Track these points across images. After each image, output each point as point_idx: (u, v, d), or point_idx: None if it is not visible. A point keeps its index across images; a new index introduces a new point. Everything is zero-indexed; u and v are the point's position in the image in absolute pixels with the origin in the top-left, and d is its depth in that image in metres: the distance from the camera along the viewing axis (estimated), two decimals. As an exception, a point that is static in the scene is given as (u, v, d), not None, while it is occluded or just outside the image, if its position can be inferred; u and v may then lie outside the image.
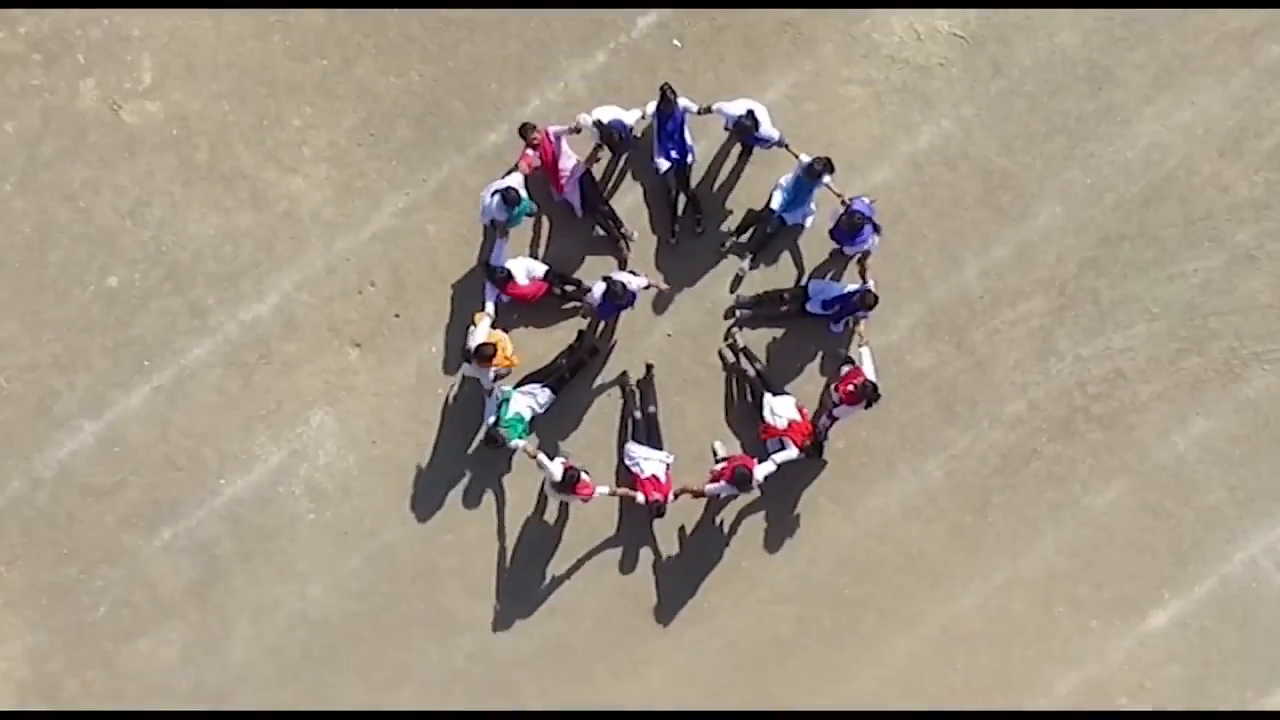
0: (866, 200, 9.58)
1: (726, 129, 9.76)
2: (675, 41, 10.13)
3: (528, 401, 9.82)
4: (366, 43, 10.09)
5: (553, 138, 9.52)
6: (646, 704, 10.64)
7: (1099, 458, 10.62)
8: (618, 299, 9.51)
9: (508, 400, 9.69)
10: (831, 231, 9.75)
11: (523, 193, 9.43)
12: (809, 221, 10.01)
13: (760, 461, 9.73)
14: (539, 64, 10.12)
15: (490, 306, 9.73)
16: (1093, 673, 10.80)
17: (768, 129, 9.46)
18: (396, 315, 10.26)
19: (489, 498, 10.46)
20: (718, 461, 10.13)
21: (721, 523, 10.56)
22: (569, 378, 10.17)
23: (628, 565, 10.59)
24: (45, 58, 10.03)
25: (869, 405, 9.52)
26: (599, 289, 9.54)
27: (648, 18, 10.10)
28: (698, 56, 10.14)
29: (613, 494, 9.91)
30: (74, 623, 10.41)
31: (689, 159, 9.81)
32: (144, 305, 10.18)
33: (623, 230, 10.22)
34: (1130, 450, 10.62)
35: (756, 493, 9.88)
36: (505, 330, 9.84)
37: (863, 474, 10.53)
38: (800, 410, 9.94)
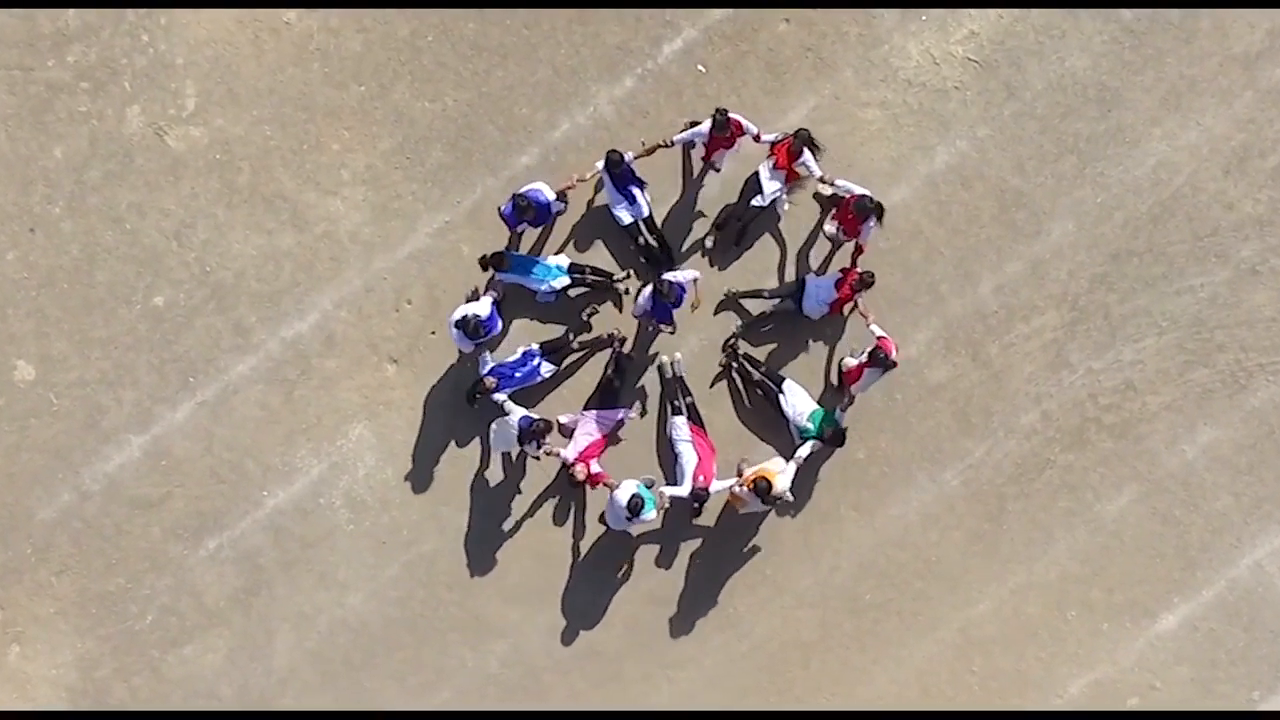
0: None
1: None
2: (700, 67, 10.16)
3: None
4: (402, 69, 10.14)
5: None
6: (674, 706, 10.57)
7: (1110, 466, 10.62)
8: (667, 298, 9.34)
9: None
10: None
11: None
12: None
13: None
14: (569, 89, 10.16)
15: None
16: (1105, 674, 10.79)
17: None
18: (432, 332, 10.29)
19: (521, 508, 10.43)
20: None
21: (746, 530, 10.50)
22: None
23: (655, 572, 10.54)
24: (93, 85, 10.07)
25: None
26: (646, 293, 9.41)
27: (674, 44, 10.14)
28: (721, 81, 10.17)
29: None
30: (122, 630, 10.43)
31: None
32: (189, 323, 10.22)
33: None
34: (1140, 459, 10.63)
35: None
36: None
37: (883, 483, 10.52)
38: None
